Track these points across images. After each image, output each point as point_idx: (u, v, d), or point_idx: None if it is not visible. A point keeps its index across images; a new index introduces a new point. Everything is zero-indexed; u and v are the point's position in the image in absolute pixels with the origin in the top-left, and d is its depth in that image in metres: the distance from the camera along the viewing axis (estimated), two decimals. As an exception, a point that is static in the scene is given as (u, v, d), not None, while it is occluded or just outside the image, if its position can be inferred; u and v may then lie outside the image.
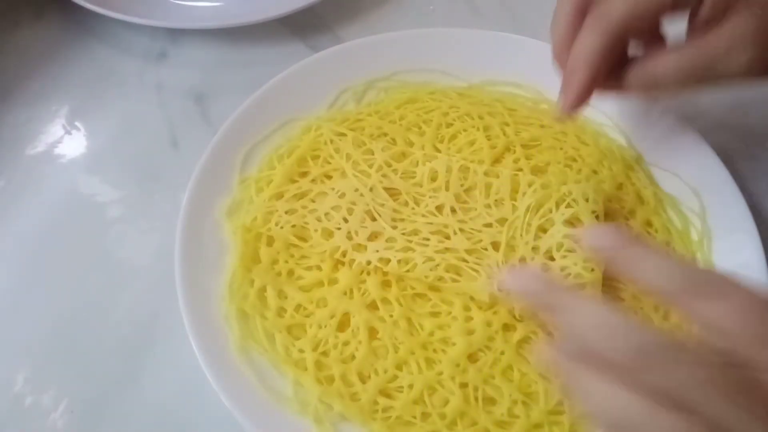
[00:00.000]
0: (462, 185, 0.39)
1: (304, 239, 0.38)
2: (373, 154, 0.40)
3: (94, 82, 0.48)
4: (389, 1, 0.53)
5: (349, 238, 0.37)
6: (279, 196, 0.39)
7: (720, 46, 0.32)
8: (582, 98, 0.35)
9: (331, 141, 0.41)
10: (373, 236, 0.37)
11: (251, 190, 0.40)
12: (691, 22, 0.35)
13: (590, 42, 0.33)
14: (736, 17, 0.32)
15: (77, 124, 0.46)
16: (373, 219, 0.38)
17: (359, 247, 0.37)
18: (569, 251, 0.36)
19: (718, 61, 0.32)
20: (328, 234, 0.37)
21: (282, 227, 0.38)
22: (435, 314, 0.36)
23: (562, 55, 0.35)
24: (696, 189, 0.40)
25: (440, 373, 0.34)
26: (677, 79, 0.33)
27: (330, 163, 0.40)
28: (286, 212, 0.38)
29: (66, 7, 0.49)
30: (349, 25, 0.51)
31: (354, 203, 0.38)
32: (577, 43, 0.34)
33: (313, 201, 0.39)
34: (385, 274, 0.36)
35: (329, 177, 0.40)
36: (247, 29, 0.49)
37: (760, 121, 0.48)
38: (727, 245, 0.38)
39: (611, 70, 0.34)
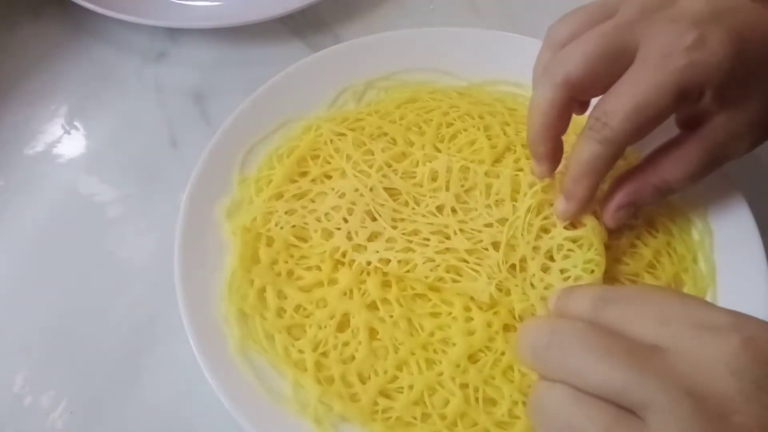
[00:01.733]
0: (462, 185, 0.39)
1: (303, 239, 0.38)
2: (373, 154, 0.40)
3: (93, 81, 0.48)
4: (389, 0, 0.53)
5: (349, 238, 0.37)
6: (279, 196, 0.39)
7: (720, 139, 0.32)
8: (586, 206, 0.35)
9: (331, 141, 0.41)
10: (373, 236, 0.37)
11: (251, 190, 0.39)
12: (681, 113, 0.35)
13: (593, 150, 0.32)
14: (732, 110, 0.32)
15: (76, 123, 0.46)
16: (373, 219, 0.37)
17: (359, 248, 0.37)
18: (571, 251, 0.36)
19: (722, 152, 0.33)
20: (328, 234, 0.37)
21: (282, 228, 0.38)
22: (435, 315, 0.36)
23: (540, 146, 0.35)
24: (696, 188, 0.40)
25: (440, 374, 0.34)
26: (692, 181, 0.33)
27: (330, 163, 0.40)
28: (285, 212, 0.38)
29: (65, 6, 0.49)
30: (349, 25, 0.51)
31: (354, 203, 0.38)
32: (579, 151, 0.33)
33: (312, 201, 0.39)
34: (385, 274, 0.36)
35: (329, 177, 0.40)
36: (246, 29, 0.49)
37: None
38: (728, 244, 0.38)
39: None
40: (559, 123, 0.34)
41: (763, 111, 0.32)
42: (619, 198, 0.34)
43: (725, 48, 0.30)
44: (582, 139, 0.33)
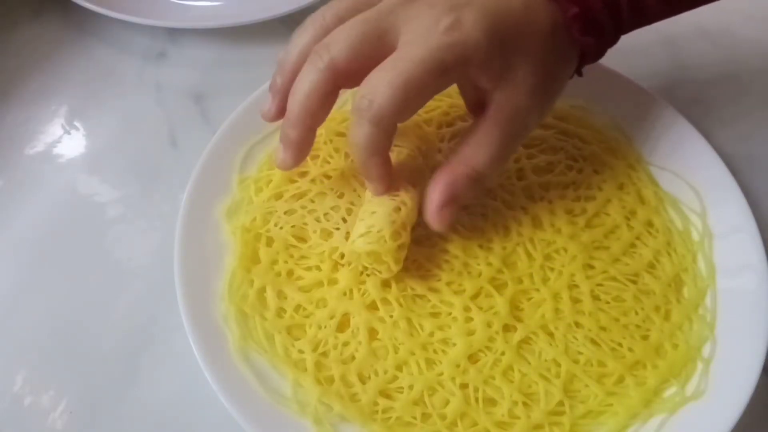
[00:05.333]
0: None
1: (303, 239, 0.38)
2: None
3: (94, 81, 0.48)
4: (389, 0, 0.52)
5: (348, 238, 0.37)
6: (278, 196, 0.39)
7: (507, 114, 0.33)
8: (391, 182, 0.35)
9: (331, 141, 0.41)
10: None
11: (250, 190, 0.39)
12: (468, 98, 0.37)
13: (366, 132, 0.32)
14: (505, 84, 0.33)
15: (76, 123, 0.46)
16: (373, 219, 0.37)
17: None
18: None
19: (515, 126, 0.33)
20: (327, 234, 0.37)
21: (281, 228, 0.38)
22: (435, 315, 0.36)
23: (293, 130, 0.35)
24: (697, 189, 0.40)
25: (440, 374, 0.34)
26: (499, 162, 0.34)
27: (329, 162, 0.40)
28: (285, 213, 0.38)
29: (65, 6, 0.49)
30: (348, 25, 0.51)
31: (353, 203, 0.38)
32: (354, 135, 0.33)
33: (312, 201, 0.39)
34: (385, 274, 0.36)
35: (328, 177, 0.40)
36: (246, 29, 0.49)
37: (760, 121, 0.48)
38: (728, 245, 0.38)
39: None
40: (320, 110, 0.34)
41: (534, 79, 0.33)
42: (437, 197, 0.34)
43: (480, 26, 0.32)
44: (353, 121, 0.33)
